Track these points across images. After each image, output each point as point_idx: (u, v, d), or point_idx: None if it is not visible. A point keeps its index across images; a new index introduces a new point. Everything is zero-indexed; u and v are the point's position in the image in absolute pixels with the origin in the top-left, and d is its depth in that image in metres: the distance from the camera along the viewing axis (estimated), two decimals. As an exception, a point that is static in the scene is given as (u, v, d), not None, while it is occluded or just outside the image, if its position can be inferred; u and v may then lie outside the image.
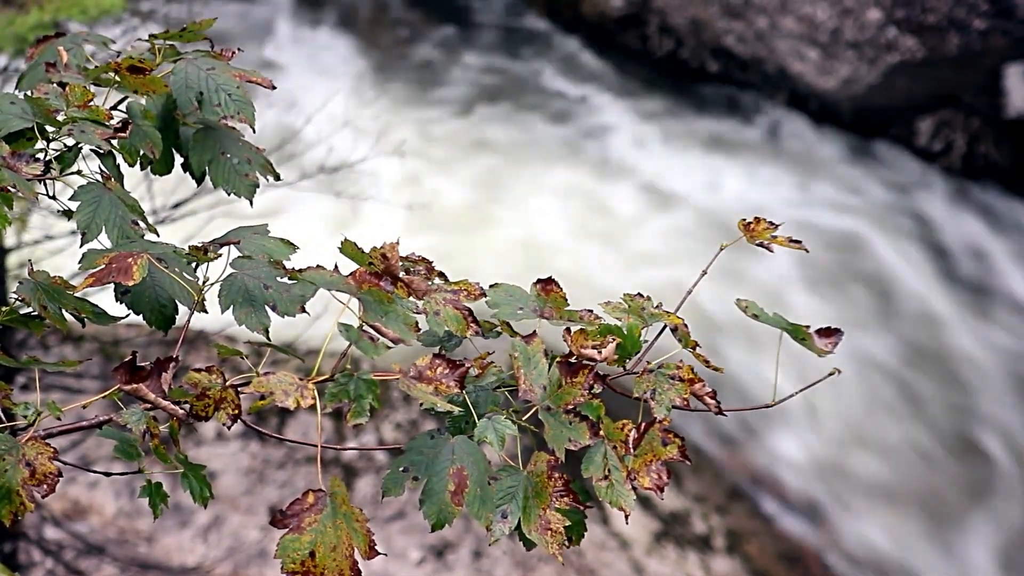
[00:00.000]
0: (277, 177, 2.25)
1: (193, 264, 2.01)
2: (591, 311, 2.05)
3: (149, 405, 1.89)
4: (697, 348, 2.02)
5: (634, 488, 1.89)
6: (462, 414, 1.91)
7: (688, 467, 7.56)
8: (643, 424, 1.91)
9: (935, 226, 10.23)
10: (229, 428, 1.88)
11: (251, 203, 2.22)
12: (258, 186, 2.22)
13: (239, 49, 2.28)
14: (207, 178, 2.20)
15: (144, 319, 1.99)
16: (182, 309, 1.99)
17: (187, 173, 2.22)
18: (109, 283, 1.92)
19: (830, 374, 2.07)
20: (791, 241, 2.14)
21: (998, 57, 10.89)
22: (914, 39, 10.89)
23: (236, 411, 1.86)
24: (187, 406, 1.86)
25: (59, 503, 7.07)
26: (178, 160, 2.24)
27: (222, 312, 1.94)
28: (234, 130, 2.23)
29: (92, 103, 2.11)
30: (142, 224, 2.06)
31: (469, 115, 11.03)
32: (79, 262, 1.96)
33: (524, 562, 7.06)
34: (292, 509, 1.77)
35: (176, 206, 6.23)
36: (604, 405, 1.92)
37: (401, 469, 1.85)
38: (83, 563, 6.63)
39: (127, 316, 2.02)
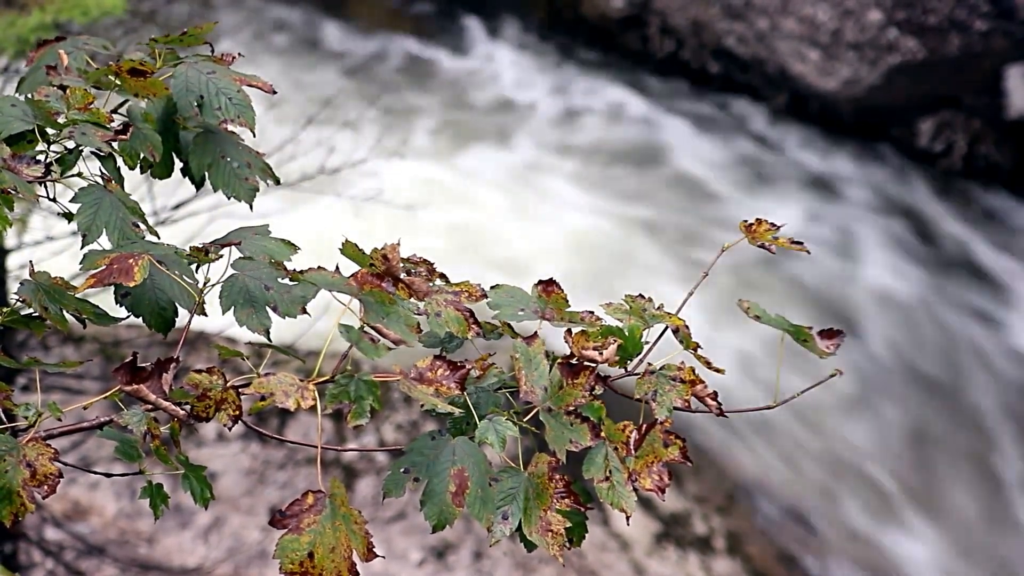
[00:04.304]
0: (277, 181, 2.25)
1: (194, 265, 2.00)
2: (592, 312, 2.05)
3: (150, 406, 1.89)
4: (699, 350, 2.01)
5: (635, 489, 1.88)
6: (463, 415, 1.91)
7: (689, 468, 7.56)
8: (644, 425, 1.91)
9: (935, 227, 10.22)
10: (230, 429, 1.88)
11: (251, 207, 2.21)
12: (258, 190, 2.22)
13: (240, 54, 2.27)
14: (207, 181, 2.20)
15: (144, 322, 1.98)
16: (182, 311, 1.99)
17: (186, 177, 2.22)
18: (110, 284, 1.92)
19: (831, 375, 2.07)
20: (792, 243, 2.13)
21: (999, 58, 10.89)
22: (915, 40, 10.88)
23: (237, 412, 1.85)
24: (188, 407, 1.86)
25: (60, 504, 7.06)
26: (178, 164, 2.23)
27: (223, 313, 1.93)
28: (234, 134, 2.23)
29: (93, 106, 2.11)
30: (143, 226, 2.05)
31: (468, 115, 11.03)
32: (80, 263, 1.96)
33: (525, 563, 7.06)
34: (291, 510, 1.77)
35: (177, 207, 6.22)
36: (605, 406, 1.91)
37: (402, 470, 1.85)
38: (83, 564, 6.63)
39: (128, 317, 2.01)
